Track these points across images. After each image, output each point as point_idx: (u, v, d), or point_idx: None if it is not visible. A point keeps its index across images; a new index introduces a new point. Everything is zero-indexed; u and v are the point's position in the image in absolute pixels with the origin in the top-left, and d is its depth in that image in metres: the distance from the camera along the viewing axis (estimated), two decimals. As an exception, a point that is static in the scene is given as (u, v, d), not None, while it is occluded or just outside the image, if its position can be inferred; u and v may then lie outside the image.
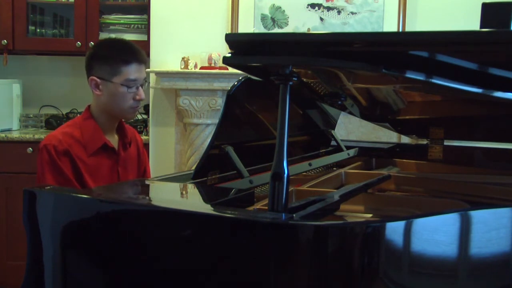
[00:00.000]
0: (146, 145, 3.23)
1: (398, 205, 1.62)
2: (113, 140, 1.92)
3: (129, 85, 1.82)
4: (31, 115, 3.66)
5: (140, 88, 1.86)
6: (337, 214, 1.46)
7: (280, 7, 3.31)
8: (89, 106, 1.92)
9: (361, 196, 1.61)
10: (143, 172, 2.07)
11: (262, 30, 3.30)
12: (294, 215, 1.11)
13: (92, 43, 3.38)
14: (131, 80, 1.82)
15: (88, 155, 1.82)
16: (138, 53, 1.86)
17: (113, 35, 3.46)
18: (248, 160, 1.56)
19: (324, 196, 1.33)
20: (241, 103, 1.66)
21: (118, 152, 1.91)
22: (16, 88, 3.56)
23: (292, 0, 3.29)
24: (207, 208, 1.28)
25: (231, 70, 3.08)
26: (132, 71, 1.82)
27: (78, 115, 3.53)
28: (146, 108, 3.44)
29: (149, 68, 3.14)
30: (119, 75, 1.82)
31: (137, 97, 1.85)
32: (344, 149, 2.20)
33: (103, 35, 3.46)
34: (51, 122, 3.58)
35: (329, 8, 3.29)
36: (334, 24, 3.28)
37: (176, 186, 1.48)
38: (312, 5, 3.29)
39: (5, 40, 3.42)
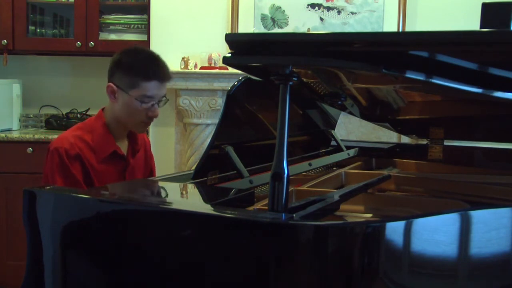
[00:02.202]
0: (146, 145, 3.23)
1: (398, 205, 1.62)
2: (123, 145, 1.89)
3: (144, 101, 1.77)
4: (31, 115, 3.66)
5: (156, 105, 1.80)
6: (337, 214, 1.46)
7: (280, 7, 3.31)
8: (103, 108, 1.88)
9: (361, 196, 1.61)
10: (149, 173, 2.04)
11: (262, 30, 3.30)
12: (294, 215, 1.11)
13: (92, 43, 3.39)
14: (147, 96, 1.77)
15: (97, 161, 1.79)
16: (162, 70, 1.80)
17: (113, 35, 3.47)
18: (248, 160, 1.56)
19: (324, 196, 1.33)
20: (241, 103, 1.66)
21: (127, 159, 1.88)
22: (16, 88, 3.56)
23: (292, 0, 3.29)
24: (207, 208, 1.28)
25: (231, 70, 3.08)
26: (151, 88, 1.77)
27: (78, 115, 3.58)
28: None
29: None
30: (137, 89, 1.76)
31: (150, 114, 1.80)
32: (344, 149, 2.20)
33: (103, 35, 3.46)
34: (51, 122, 3.58)
35: (329, 8, 3.29)
36: (334, 24, 3.29)
37: (176, 186, 1.48)
38: (312, 5, 3.30)
39: (5, 40, 3.42)
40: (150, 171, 2.06)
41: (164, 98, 1.83)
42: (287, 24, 3.31)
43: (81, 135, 1.80)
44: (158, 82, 1.78)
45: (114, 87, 1.80)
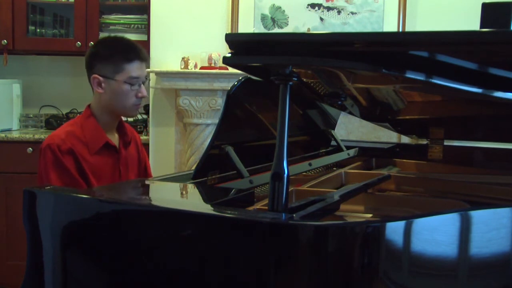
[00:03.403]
0: (146, 145, 3.23)
1: (398, 205, 1.62)
2: (114, 138, 1.93)
3: (132, 83, 1.84)
4: (31, 115, 3.67)
5: (142, 85, 1.88)
6: (337, 214, 1.46)
7: (280, 7, 3.31)
8: (89, 105, 1.92)
9: (361, 196, 1.61)
10: (144, 169, 2.07)
11: (262, 30, 3.30)
12: (294, 215, 1.11)
13: (92, 43, 3.39)
14: (133, 77, 1.84)
15: (90, 154, 1.82)
16: (140, 51, 1.88)
17: (113, 35, 3.46)
18: (248, 160, 1.56)
19: (324, 196, 1.33)
20: (241, 103, 1.66)
21: (119, 151, 1.92)
22: (16, 88, 3.56)
23: (292, 0, 3.29)
24: (207, 208, 1.28)
25: (231, 70, 3.08)
26: (135, 69, 1.84)
27: (79, 115, 3.57)
28: (146, 108, 3.44)
29: (149, 68, 3.14)
30: (122, 73, 1.83)
31: (139, 95, 1.87)
32: (344, 149, 2.20)
33: (103, 35, 3.45)
34: (51, 122, 3.58)
35: (329, 8, 3.29)
36: (334, 24, 3.28)
37: (176, 186, 1.48)
38: (312, 5, 3.29)
39: (5, 40, 3.42)
40: (145, 166, 2.08)
41: (145, 78, 1.91)
42: (287, 24, 3.31)
43: (72, 131, 1.83)
44: (139, 61, 1.86)
45: (100, 77, 1.85)
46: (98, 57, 1.86)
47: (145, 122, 3.52)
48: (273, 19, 3.31)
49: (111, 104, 1.87)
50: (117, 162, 1.91)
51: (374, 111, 2.09)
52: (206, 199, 1.41)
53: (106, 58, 1.85)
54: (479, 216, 1.24)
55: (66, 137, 1.79)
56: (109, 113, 1.89)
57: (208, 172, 1.51)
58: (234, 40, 1.31)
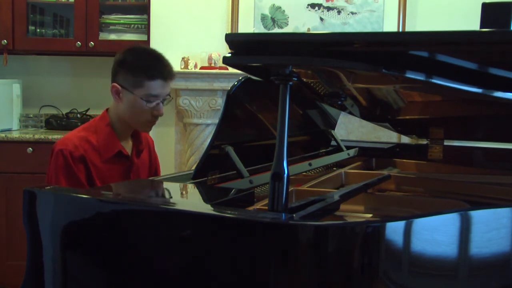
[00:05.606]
0: (146, 145, 3.23)
1: (398, 205, 1.62)
2: (127, 145, 1.89)
3: (149, 100, 1.78)
4: (31, 115, 3.66)
5: (160, 104, 1.81)
6: (337, 214, 1.46)
7: (280, 7, 3.31)
8: (107, 109, 1.88)
9: (361, 196, 1.61)
10: (154, 172, 2.05)
11: (262, 30, 3.30)
12: (294, 215, 1.11)
13: (92, 43, 3.40)
14: (152, 95, 1.77)
15: (102, 161, 1.79)
16: (165, 69, 1.80)
17: (113, 35, 3.47)
18: (248, 160, 1.56)
19: (324, 196, 1.33)
20: (241, 103, 1.66)
21: (131, 159, 1.88)
22: (16, 88, 3.56)
23: (292, 0, 3.29)
24: (207, 208, 1.28)
25: (231, 70, 3.08)
26: (155, 87, 1.77)
27: (78, 115, 3.58)
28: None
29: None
30: (141, 88, 1.77)
31: (155, 113, 1.81)
32: (344, 149, 2.20)
33: (103, 35, 3.46)
34: (51, 122, 3.58)
35: (329, 8, 3.29)
36: (334, 24, 3.29)
37: (176, 186, 1.48)
38: (312, 5, 3.30)
39: (5, 40, 3.42)
40: (155, 170, 2.06)
41: (168, 96, 1.84)
42: (287, 24, 3.31)
43: (86, 136, 1.80)
44: (162, 80, 1.78)
45: (119, 87, 1.79)
46: (122, 66, 1.79)
47: (145, 122, 3.51)
48: (273, 19, 3.31)
49: (125, 115, 1.82)
50: (128, 170, 1.87)
51: (374, 111, 2.09)
52: (206, 199, 1.41)
53: (129, 69, 1.78)
54: (479, 216, 1.24)
55: (80, 143, 1.76)
56: (124, 122, 1.84)
57: (208, 172, 1.51)
58: (234, 40, 1.31)
